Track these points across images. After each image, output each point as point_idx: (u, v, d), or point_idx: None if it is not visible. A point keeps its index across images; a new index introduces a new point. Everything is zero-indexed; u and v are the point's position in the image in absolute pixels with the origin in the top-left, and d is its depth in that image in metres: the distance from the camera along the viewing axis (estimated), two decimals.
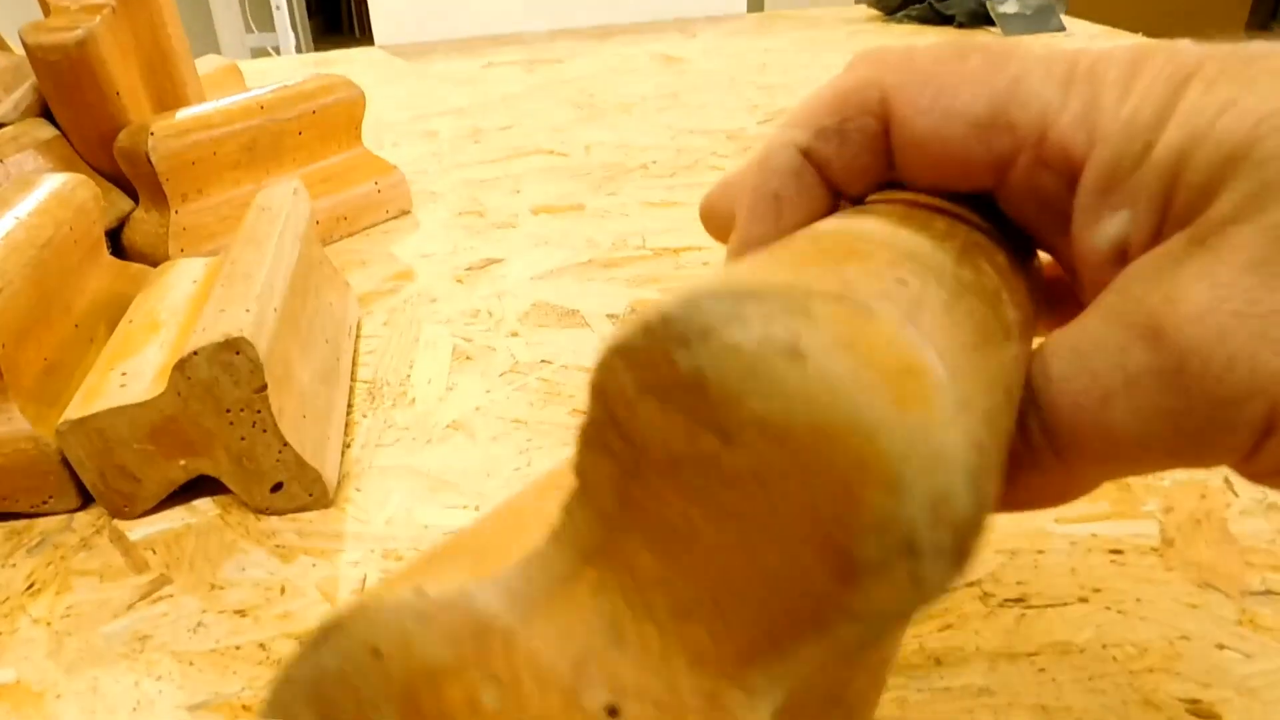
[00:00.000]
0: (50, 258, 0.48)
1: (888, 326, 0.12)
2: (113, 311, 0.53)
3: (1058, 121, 0.19)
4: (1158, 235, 0.18)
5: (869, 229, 0.19)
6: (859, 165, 0.22)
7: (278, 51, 3.25)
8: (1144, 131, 0.18)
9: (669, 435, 0.13)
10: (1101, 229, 0.19)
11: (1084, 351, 0.18)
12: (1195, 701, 0.31)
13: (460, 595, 0.14)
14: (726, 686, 0.13)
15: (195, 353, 0.39)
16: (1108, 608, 0.35)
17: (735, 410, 0.12)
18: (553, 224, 0.74)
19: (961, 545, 0.12)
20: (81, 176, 0.54)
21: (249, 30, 3.88)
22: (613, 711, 0.13)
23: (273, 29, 3.31)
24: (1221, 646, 0.33)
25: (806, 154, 0.23)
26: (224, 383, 0.39)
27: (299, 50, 3.38)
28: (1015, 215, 0.22)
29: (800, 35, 1.44)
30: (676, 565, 0.13)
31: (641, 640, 0.14)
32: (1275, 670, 0.32)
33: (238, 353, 0.39)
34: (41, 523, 0.44)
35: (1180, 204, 0.18)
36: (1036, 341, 0.21)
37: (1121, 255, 0.19)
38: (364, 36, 4.07)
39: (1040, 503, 0.21)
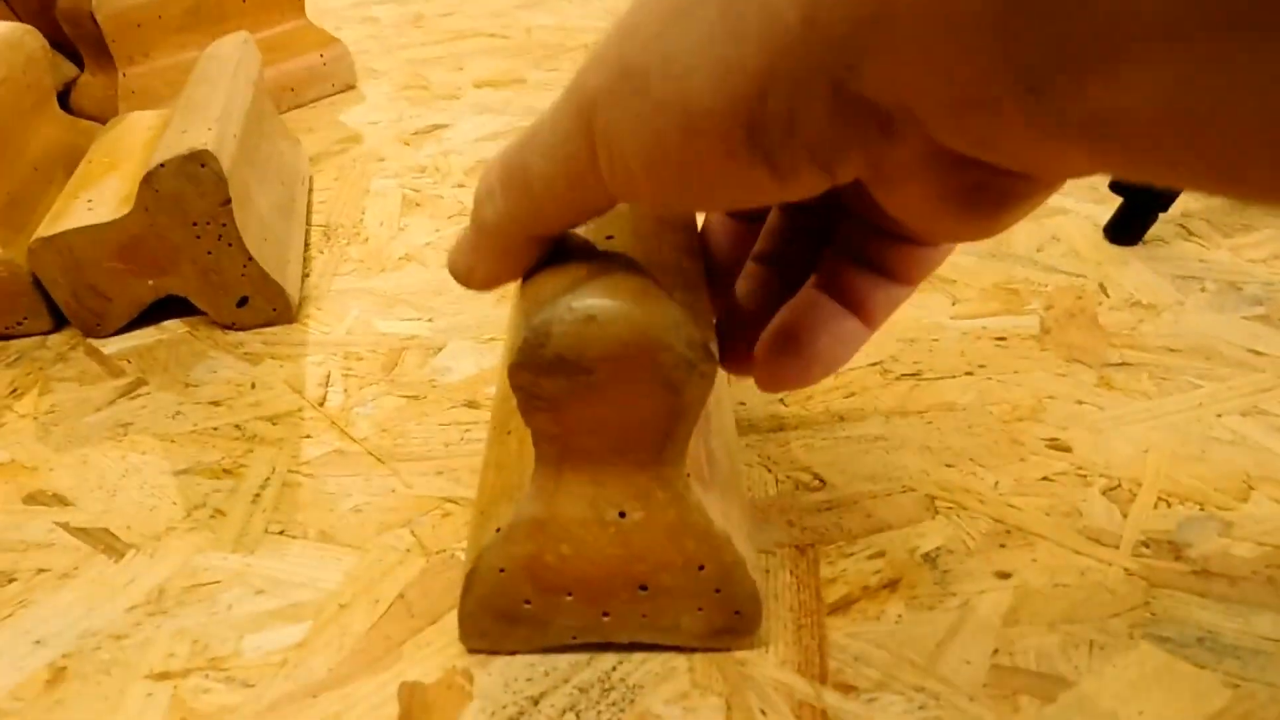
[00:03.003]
0: (5, 96, 0.50)
1: (630, 280, 0.22)
2: (69, 160, 0.55)
3: None
4: None
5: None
6: None
7: None
8: None
9: (564, 386, 0.23)
10: None
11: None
12: (1054, 440, 0.36)
13: (517, 518, 0.26)
14: (658, 472, 0.25)
15: (162, 165, 0.42)
16: (989, 378, 0.40)
17: (585, 358, 0.22)
18: (495, 96, 0.77)
19: (708, 354, 0.22)
20: (29, 27, 0.56)
21: None
22: (621, 514, 0.26)
23: None
24: (1080, 402, 0.38)
25: None
26: (190, 195, 0.42)
27: None
28: None
29: None
30: (601, 440, 0.24)
31: (610, 479, 0.25)
32: (1120, 417, 0.37)
33: (203, 165, 0.42)
34: (17, 343, 0.47)
35: None
36: None
37: None
38: None
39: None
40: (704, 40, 0.16)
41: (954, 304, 0.45)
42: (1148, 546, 0.31)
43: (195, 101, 0.48)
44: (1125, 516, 0.33)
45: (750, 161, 0.17)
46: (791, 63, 0.15)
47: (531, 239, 0.22)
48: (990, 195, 0.18)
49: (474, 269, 0.24)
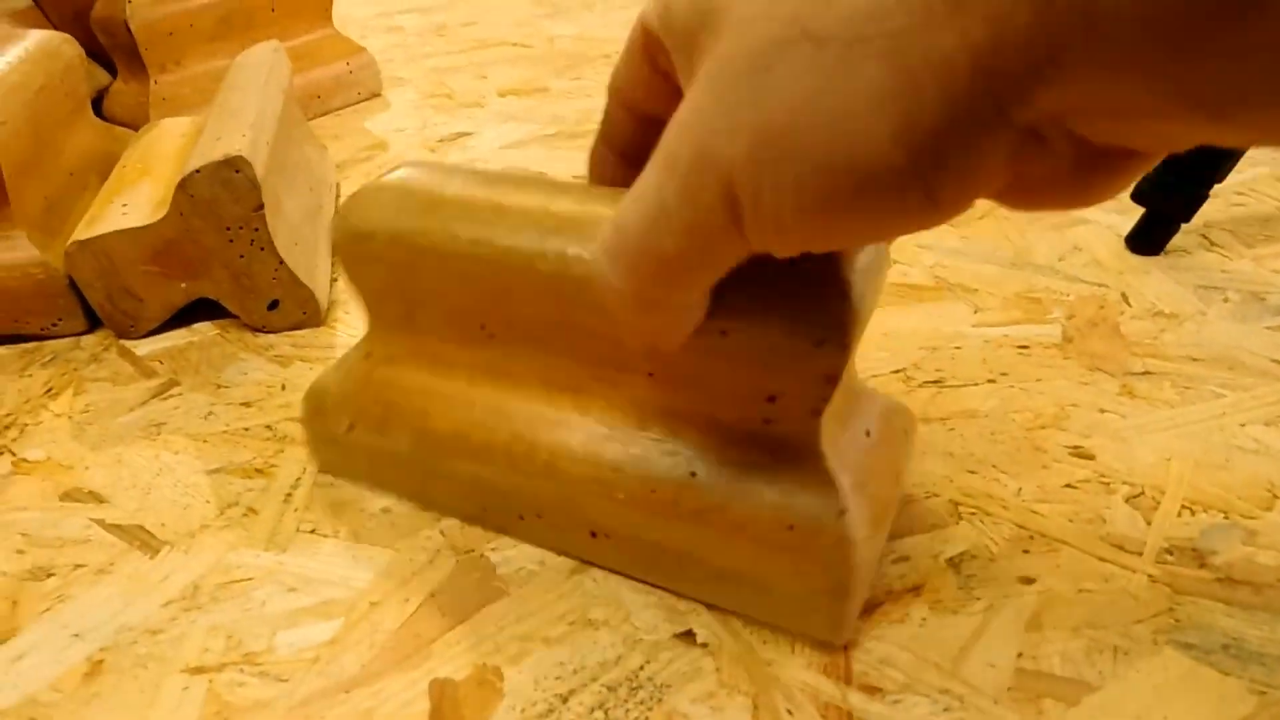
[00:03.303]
0: (44, 104, 0.51)
1: None
2: (103, 165, 0.56)
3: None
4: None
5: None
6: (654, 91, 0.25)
7: None
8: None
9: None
10: None
11: (619, 207, 0.22)
12: (1076, 447, 0.36)
13: None
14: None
15: (197, 171, 0.42)
16: (1011, 386, 0.40)
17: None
18: (519, 104, 0.78)
19: None
20: (66, 35, 0.57)
21: None
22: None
23: None
24: (1103, 410, 0.38)
25: (615, 93, 0.27)
26: (224, 200, 0.43)
27: None
28: None
29: None
30: None
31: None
32: (1143, 425, 0.38)
33: (237, 171, 0.43)
34: (51, 344, 0.48)
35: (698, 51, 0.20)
36: None
37: None
38: None
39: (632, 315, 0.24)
40: (876, 98, 0.16)
41: (976, 313, 0.46)
42: (1171, 554, 0.32)
43: (229, 108, 0.49)
44: (1149, 524, 0.33)
45: (921, 204, 0.17)
46: (968, 102, 0.16)
47: (681, 313, 0.23)
48: (1102, 174, 0.18)
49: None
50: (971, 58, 0.15)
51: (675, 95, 0.21)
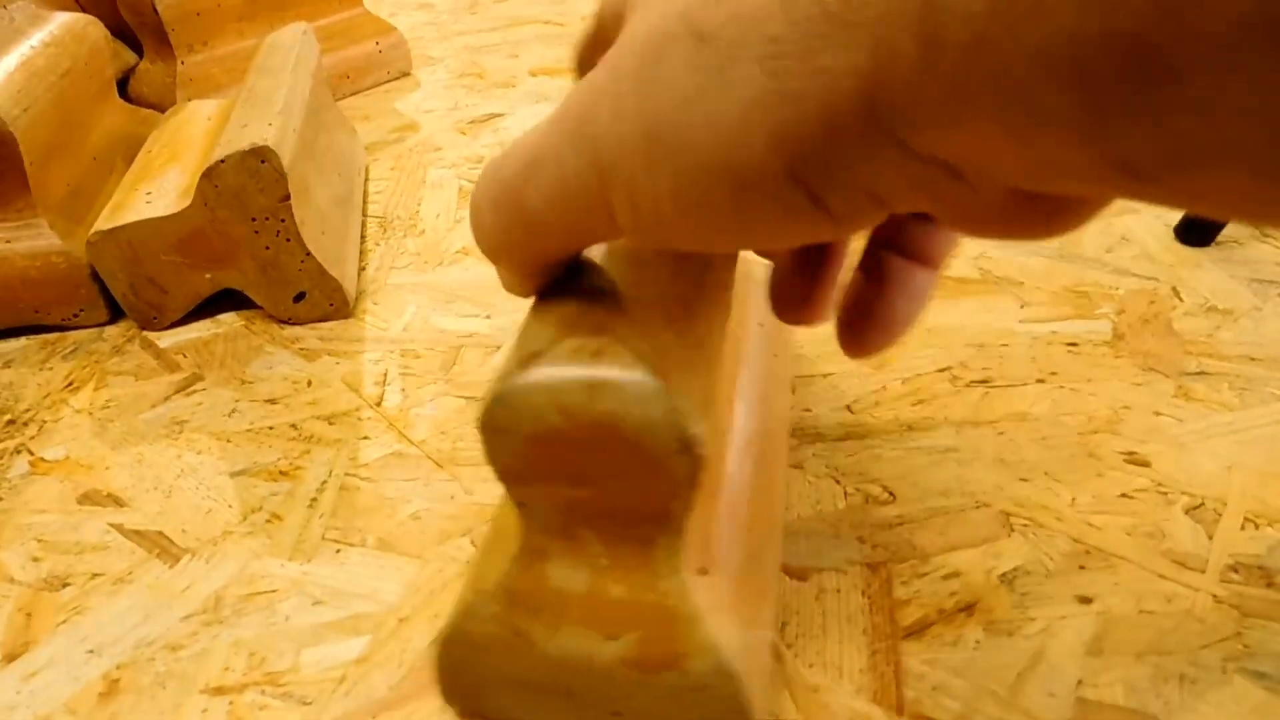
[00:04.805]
0: (69, 87, 0.50)
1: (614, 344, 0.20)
2: (127, 149, 0.55)
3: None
4: None
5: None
6: None
7: None
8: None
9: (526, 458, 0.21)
10: None
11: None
12: (1132, 454, 0.35)
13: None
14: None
15: (223, 161, 0.41)
16: (1062, 386, 0.38)
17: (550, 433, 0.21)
18: (551, 84, 0.76)
19: (694, 439, 0.20)
20: (91, 17, 0.56)
21: None
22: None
23: None
24: (1158, 414, 0.37)
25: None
26: (250, 190, 0.42)
27: None
28: None
29: None
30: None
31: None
32: (1201, 430, 0.36)
33: (263, 161, 0.41)
34: (73, 335, 0.47)
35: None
36: None
37: None
38: None
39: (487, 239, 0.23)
40: (753, 103, 0.15)
41: (1022, 307, 0.44)
42: (1236, 571, 0.30)
43: (256, 95, 0.48)
44: (1211, 538, 0.31)
45: (810, 214, 0.16)
46: (854, 125, 0.15)
47: (532, 264, 0.22)
48: (1042, 215, 0.17)
49: (501, 280, 0.23)
50: (855, 80, 0.14)
51: None
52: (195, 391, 0.42)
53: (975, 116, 0.13)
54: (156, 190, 0.46)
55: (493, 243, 0.22)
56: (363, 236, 0.54)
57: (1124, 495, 0.33)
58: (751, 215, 0.17)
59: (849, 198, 0.16)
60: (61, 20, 0.53)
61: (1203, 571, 0.30)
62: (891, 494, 0.34)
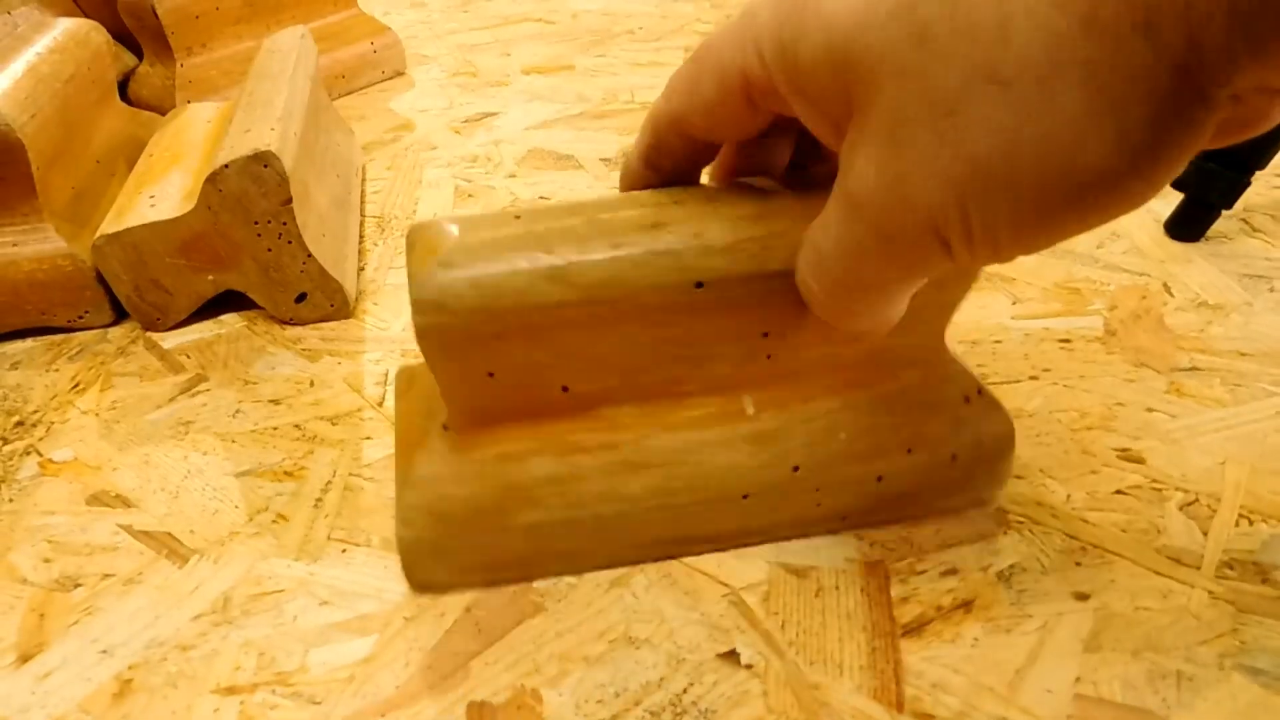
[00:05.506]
0: (73, 93, 0.50)
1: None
2: (129, 151, 0.55)
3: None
4: (838, 130, 0.22)
5: None
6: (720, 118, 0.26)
7: None
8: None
9: None
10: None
11: (810, 233, 0.24)
12: (1125, 450, 0.35)
13: None
14: None
15: (226, 166, 0.42)
16: (1055, 383, 0.39)
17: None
18: (544, 82, 0.77)
19: None
20: (93, 22, 0.56)
21: None
22: None
23: None
24: (1151, 410, 0.37)
25: (676, 123, 0.27)
26: (253, 194, 0.42)
27: None
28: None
29: None
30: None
31: None
32: (1194, 426, 0.36)
33: (266, 165, 0.42)
34: (79, 336, 0.47)
35: (841, 100, 0.21)
36: None
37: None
38: None
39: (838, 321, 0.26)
40: (1082, 121, 0.18)
41: (1014, 304, 0.44)
42: (1231, 568, 0.30)
43: (257, 99, 0.48)
44: (1205, 534, 0.32)
45: (1142, 191, 0.20)
46: (1175, 106, 0.17)
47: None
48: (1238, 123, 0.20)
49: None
50: (1170, 66, 0.17)
51: (759, 127, 0.25)
52: (200, 392, 0.42)
53: (1273, 50, 0.16)
54: (159, 194, 0.47)
55: (844, 314, 0.25)
56: (361, 236, 0.54)
57: (1118, 492, 0.34)
58: (1090, 212, 0.19)
59: (1172, 167, 0.19)
60: (65, 26, 0.53)
61: (1198, 568, 0.31)
62: None
